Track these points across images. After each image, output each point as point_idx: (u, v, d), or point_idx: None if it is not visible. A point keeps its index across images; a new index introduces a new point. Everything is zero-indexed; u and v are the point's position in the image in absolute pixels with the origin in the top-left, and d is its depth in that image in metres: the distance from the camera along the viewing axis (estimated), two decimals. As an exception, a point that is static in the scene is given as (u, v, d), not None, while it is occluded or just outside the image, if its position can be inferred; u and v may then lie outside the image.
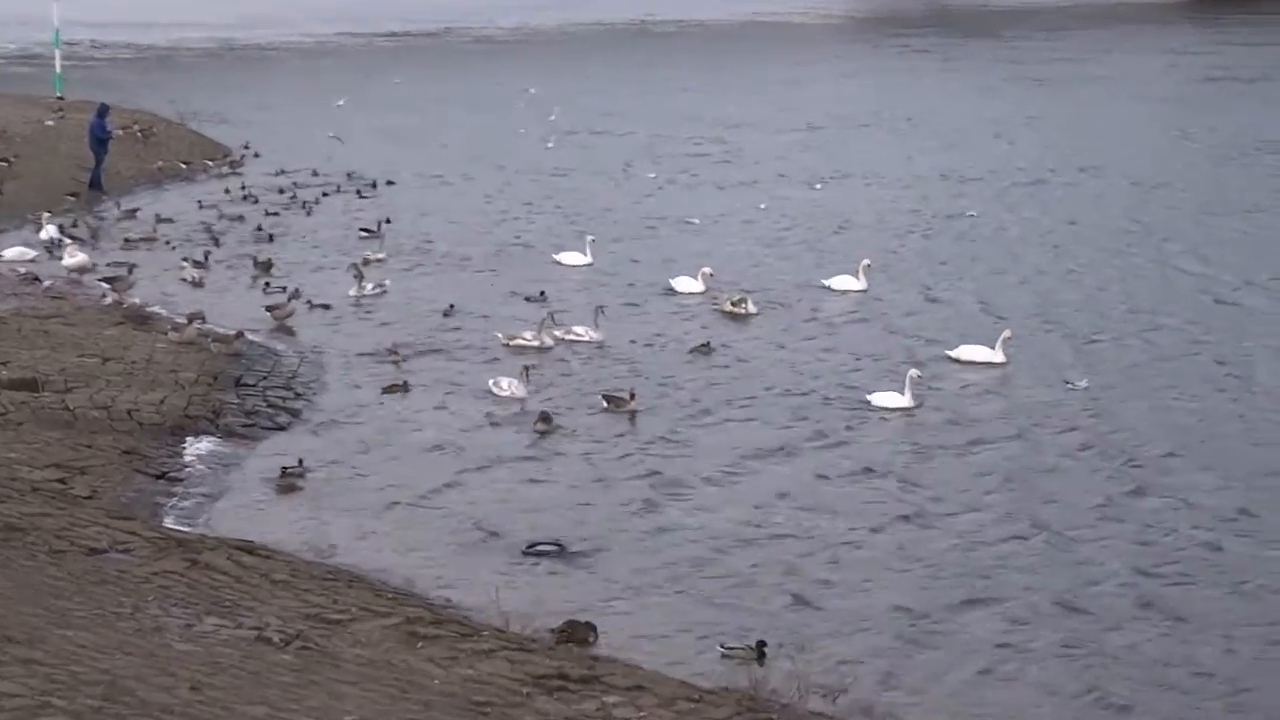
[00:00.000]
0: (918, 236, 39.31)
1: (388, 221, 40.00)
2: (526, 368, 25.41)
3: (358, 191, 45.53)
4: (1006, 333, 27.38)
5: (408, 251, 37.27)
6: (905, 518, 19.27)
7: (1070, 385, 25.71)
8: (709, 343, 28.08)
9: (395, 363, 26.56)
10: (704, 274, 33.52)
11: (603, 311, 29.13)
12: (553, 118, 60.01)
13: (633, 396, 24.28)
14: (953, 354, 27.23)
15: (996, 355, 26.93)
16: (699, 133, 59.53)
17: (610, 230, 39.24)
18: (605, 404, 24.16)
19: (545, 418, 23.40)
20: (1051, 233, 39.95)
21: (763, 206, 43.14)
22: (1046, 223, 41.45)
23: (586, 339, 28.71)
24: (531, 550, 18.04)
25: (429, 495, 20.16)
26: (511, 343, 28.18)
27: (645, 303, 31.92)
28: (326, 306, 30.47)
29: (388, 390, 25.03)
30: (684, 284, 33.53)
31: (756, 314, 30.59)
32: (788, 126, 60.96)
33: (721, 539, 18.52)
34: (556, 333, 28.71)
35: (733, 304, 30.99)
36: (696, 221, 41.27)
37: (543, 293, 32.95)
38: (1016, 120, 61.39)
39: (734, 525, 19.01)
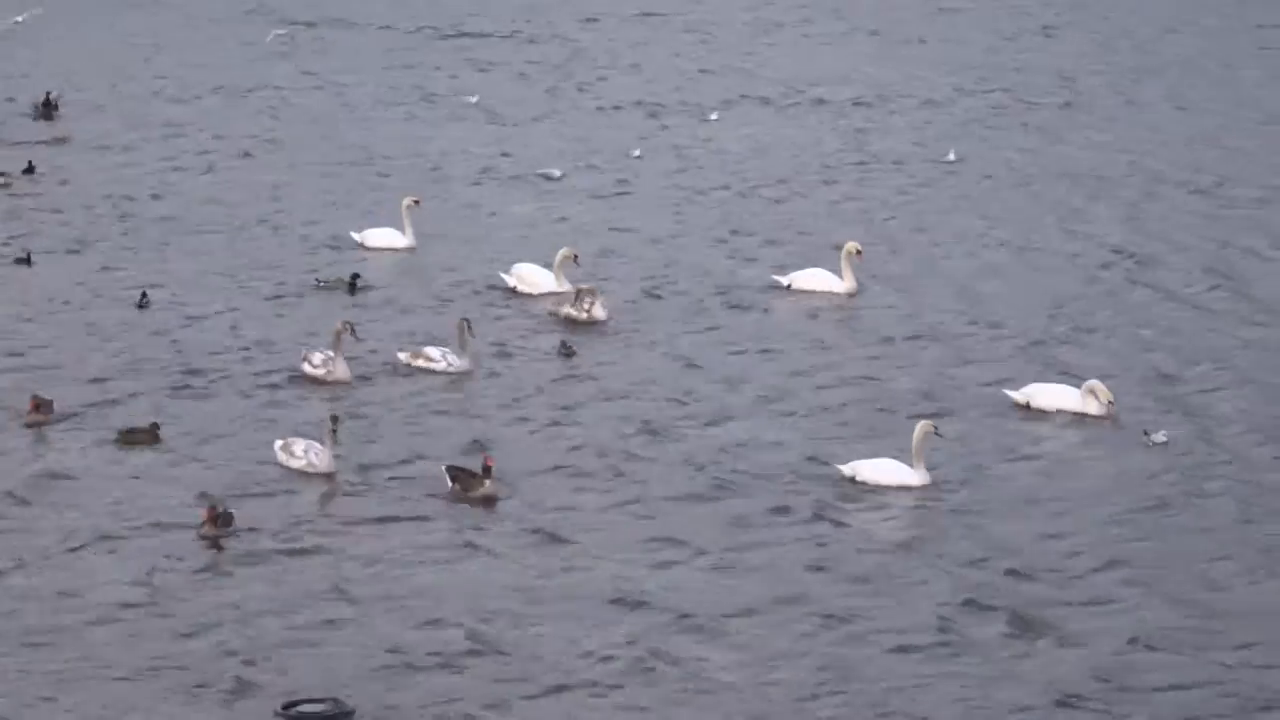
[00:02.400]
0: (884, 198, 36.68)
1: (28, 170, 36.52)
2: (334, 419, 22.17)
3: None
4: (1094, 383, 24.65)
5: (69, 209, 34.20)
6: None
7: (1148, 440, 23.54)
8: (564, 342, 26.57)
9: (38, 422, 23.45)
10: (563, 259, 29.45)
11: (470, 328, 25.83)
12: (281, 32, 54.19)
13: (488, 471, 21.43)
14: (1018, 396, 24.77)
15: (1086, 402, 24.47)
16: (520, 26, 56.53)
17: (427, 191, 35.15)
18: (451, 483, 21.55)
19: (217, 517, 20.30)
20: (1071, 184, 38.01)
21: (636, 154, 39.69)
22: (1053, 167, 39.58)
23: (444, 368, 25.64)
24: (290, 713, 16.63)
25: (136, 620, 18.40)
26: (306, 367, 25.24)
27: (495, 306, 29.19)
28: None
29: (126, 440, 22.78)
30: (530, 276, 29.63)
31: (606, 320, 28.03)
32: (643, 10, 58.85)
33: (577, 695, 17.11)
34: (402, 356, 25.81)
35: (573, 305, 28.26)
36: (558, 174, 38.15)
37: (355, 277, 29.53)
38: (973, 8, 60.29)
39: (597, 670, 17.52)
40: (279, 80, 48.10)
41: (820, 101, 46.77)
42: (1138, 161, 40.18)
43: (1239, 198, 37.07)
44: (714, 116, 43.94)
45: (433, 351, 25.61)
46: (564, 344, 26.71)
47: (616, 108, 45.59)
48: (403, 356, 25.66)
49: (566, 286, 29.02)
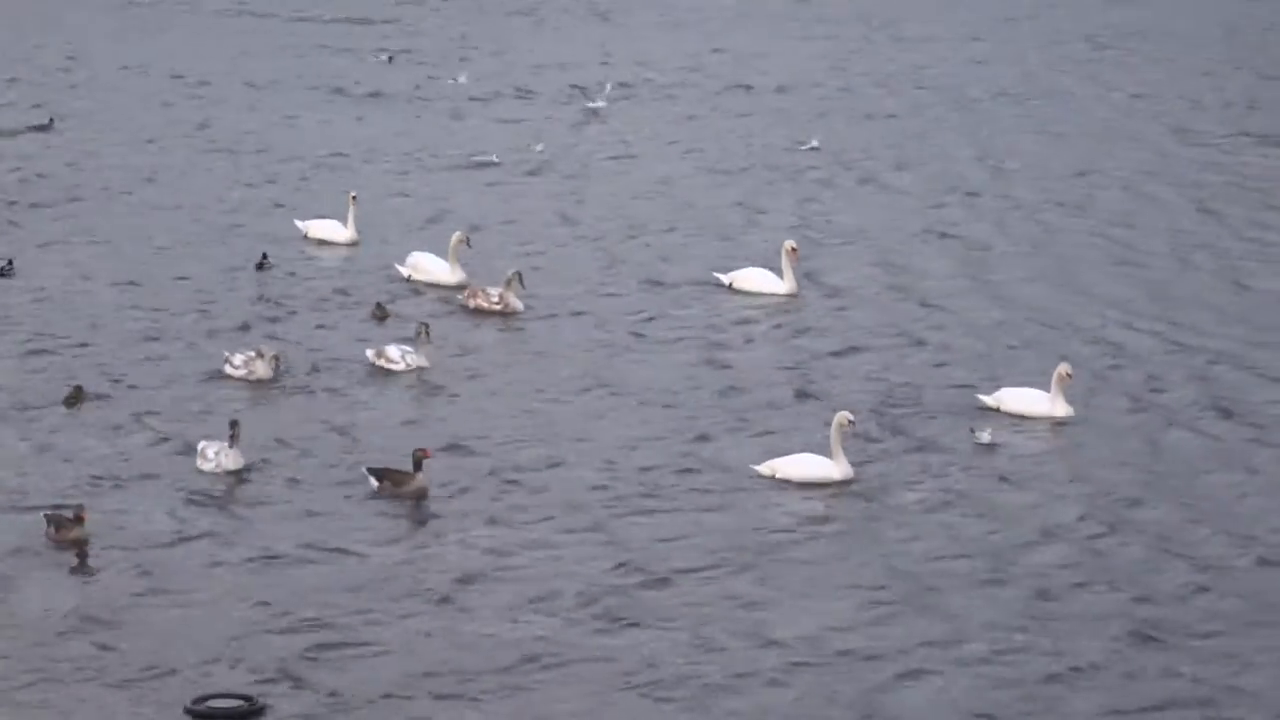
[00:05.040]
0: (768, 185, 36.70)
1: None
2: (234, 424, 21.60)
3: None
4: (1064, 367, 24.00)
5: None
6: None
7: (975, 436, 23.02)
8: (380, 304, 26.34)
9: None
10: (456, 244, 28.67)
11: (427, 330, 25.33)
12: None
13: (419, 466, 21.03)
14: (990, 401, 24.16)
15: (1053, 405, 23.88)
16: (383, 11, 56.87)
17: (354, 183, 34.88)
18: (376, 484, 21.15)
19: (59, 520, 19.75)
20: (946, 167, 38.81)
21: (539, 148, 38.91)
22: (922, 153, 40.09)
23: (403, 367, 25.13)
24: (200, 709, 16.21)
25: (34, 618, 17.92)
26: (227, 368, 24.82)
27: (400, 298, 28.62)
28: None
29: (70, 402, 23.17)
30: (425, 264, 29.03)
31: (522, 310, 27.47)
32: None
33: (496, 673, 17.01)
34: (369, 352, 25.30)
35: (504, 289, 27.57)
36: (496, 159, 37.89)
37: (265, 257, 29.64)
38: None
39: (514, 646, 17.54)
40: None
41: (678, 87, 47.48)
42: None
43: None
44: (599, 104, 43.95)
45: (393, 351, 25.20)
46: (379, 305, 26.38)
47: (489, 97, 45.86)
48: (369, 354, 25.33)
49: (460, 274, 28.67)
